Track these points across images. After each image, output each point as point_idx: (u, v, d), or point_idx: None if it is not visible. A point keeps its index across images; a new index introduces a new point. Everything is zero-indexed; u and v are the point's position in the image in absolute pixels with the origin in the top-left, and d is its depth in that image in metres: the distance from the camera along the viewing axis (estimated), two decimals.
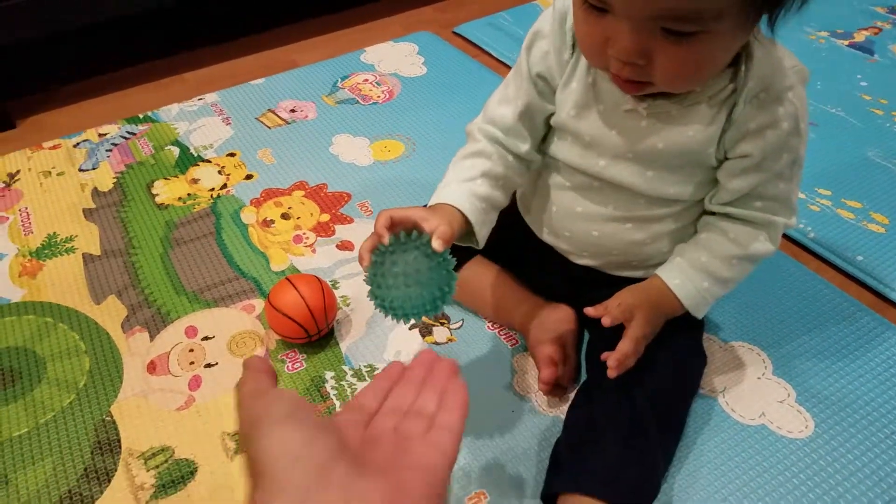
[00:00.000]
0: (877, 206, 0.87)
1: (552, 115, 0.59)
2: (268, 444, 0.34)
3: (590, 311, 0.57)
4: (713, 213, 0.59)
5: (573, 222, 0.62)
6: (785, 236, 0.84)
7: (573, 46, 0.56)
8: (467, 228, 0.57)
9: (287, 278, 0.70)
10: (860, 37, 1.23)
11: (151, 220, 0.90)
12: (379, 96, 1.14)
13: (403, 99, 1.13)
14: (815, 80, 1.10)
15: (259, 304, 0.77)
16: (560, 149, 0.60)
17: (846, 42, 1.22)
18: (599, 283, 0.64)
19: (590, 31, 0.48)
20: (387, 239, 0.52)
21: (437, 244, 0.51)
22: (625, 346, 0.56)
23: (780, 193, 0.56)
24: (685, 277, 0.58)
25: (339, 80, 1.18)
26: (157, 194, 0.94)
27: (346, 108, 1.11)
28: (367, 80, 1.18)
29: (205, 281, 0.80)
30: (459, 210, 0.56)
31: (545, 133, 0.61)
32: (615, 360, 0.55)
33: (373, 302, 0.53)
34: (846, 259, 0.80)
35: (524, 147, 0.60)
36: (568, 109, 0.57)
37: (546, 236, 0.66)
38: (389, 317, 0.53)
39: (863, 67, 1.15)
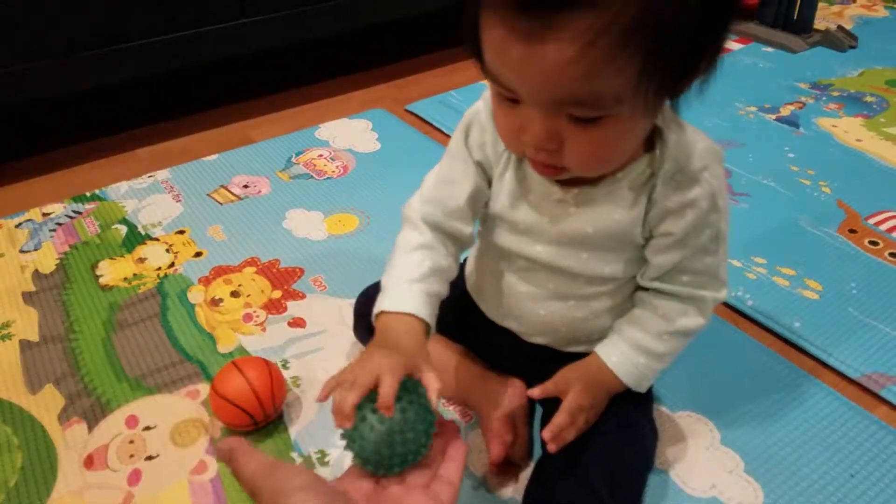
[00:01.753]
0: (810, 273, 0.91)
1: (488, 201, 0.61)
2: None
3: (532, 392, 0.58)
4: (646, 289, 0.61)
5: (520, 303, 0.63)
6: (725, 304, 0.86)
7: None
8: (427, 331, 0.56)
9: (233, 362, 0.69)
10: (786, 111, 1.31)
11: (94, 303, 0.87)
12: (333, 171, 1.15)
13: (357, 174, 1.14)
14: (747, 152, 1.18)
15: (204, 388, 0.75)
16: (498, 236, 0.61)
17: (773, 116, 1.30)
18: (552, 359, 0.64)
19: (506, 121, 0.51)
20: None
21: (435, 399, 0.49)
22: (559, 418, 0.56)
23: (705, 268, 0.58)
24: (621, 354, 0.60)
25: (294, 155, 1.20)
26: (101, 275, 0.92)
27: (300, 183, 1.12)
28: (321, 155, 1.20)
29: (147, 366, 0.78)
30: (420, 318, 0.55)
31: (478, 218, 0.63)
32: (549, 432, 0.55)
33: (351, 455, 0.49)
34: (784, 325, 0.82)
35: (468, 230, 0.61)
36: (502, 200, 0.59)
37: (498, 318, 0.67)
38: (368, 469, 0.48)
39: (790, 140, 1.22)
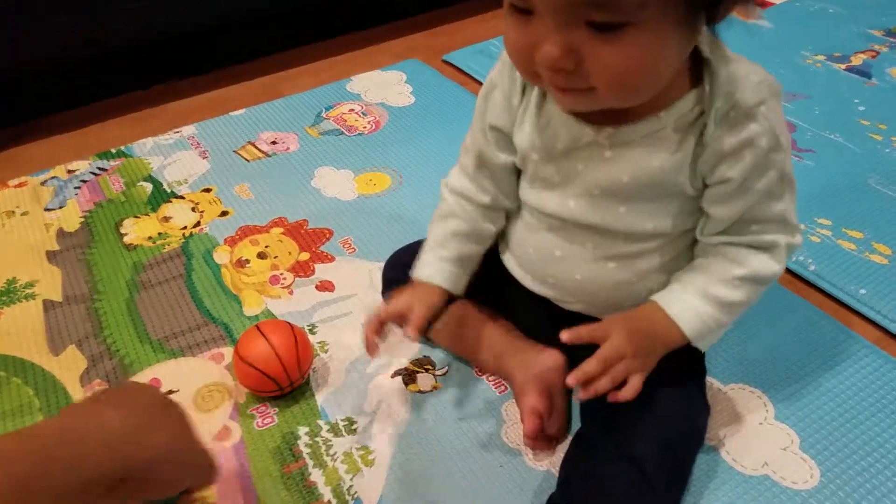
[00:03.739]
0: (879, 237, 0.83)
1: (514, 163, 0.58)
2: None
3: (563, 335, 0.53)
4: (711, 245, 0.55)
5: (555, 267, 0.59)
6: (786, 269, 0.80)
7: (522, 90, 0.54)
8: (450, 293, 0.62)
9: (256, 326, 0.66)
10: (857, 60, 1.21)
11: (118, 263, 0.85)
12: (364, 127, 1.10)
13: (390, 129, 1.09)
14: (813, 105, 1.09)
15: (228, 352, 0.72)
16: (528, 194, 0.58)
17: (843, 66, 1.19)
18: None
19: (517, 38, 0.45)
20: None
21: (410, 333, 0.59)
22: (588, 365, 0.51)
23: (775, 213, 0.52)
24: (684, 302, 0.53)
25: (324, 110, 1.15)
26: (125, 234, 0.90)
27: (329, 139, 1.07)
28: (352, 110, 1.15)
29: (171, 328, 0.76)
30: (435, 284, 0.61)
31: (512, 181, 0.60)
32: (574, 377, 0.51)
33: None
34: (849, 293, 0.76)
35: (486, 198, 0.61)
36: (527, 153, 0.55)
37: (532, 284, 0.62)
38: None
39: (861, 91, 1.12)
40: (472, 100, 1.11)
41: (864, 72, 1.17)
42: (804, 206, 0.86)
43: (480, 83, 1.18)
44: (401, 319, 0.60)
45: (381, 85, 1.22)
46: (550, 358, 0.63)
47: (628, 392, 0.52)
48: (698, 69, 0.49)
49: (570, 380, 0.53)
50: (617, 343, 0.52)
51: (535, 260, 0.60)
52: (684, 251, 0.57)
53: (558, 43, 0.42)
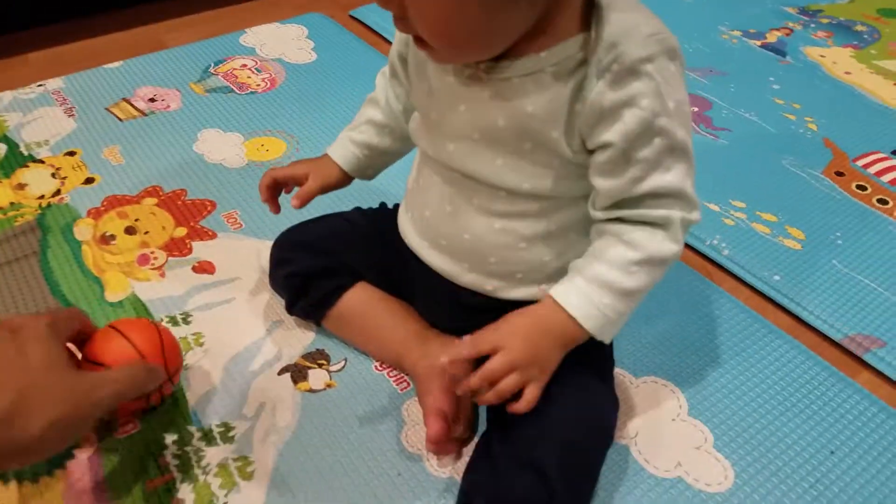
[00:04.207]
0: (792, 220, 0.82)
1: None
2: None
3: (461, 350, 0.50)
4: (604, 222, 0.51)
5: (445, 225, 0.55)
6: (699, 254, 0.78)
7: None
8: (349, 175, 0.65)
9: (109, 325, 0.55)
10: (772, 37, 1.20)
11: None
12: (258, 85, 1.00)
13: (287, 89, 1.00)
14: (729, 81, 1.07)
15: None
16: (419, 134, 0.56)
17: (759, 42, 1.19)
18: (494, 311, 0.54)
19: None
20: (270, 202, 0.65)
21: (294, 202, 0.62)
22: (472, 380, 0.48)
23: (667, 186, 0.47)
24: (580, 294, 0.49)
25: (213, 64, 1.04)
26: None
27: (217, 97, 0.96)
28: (245, 65, 1.04)
29: (20, 313, 0.64)
30: (337, 162, 0.64)
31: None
32: (460, 389, 0.49)
33: None
34: (762, 279, 0.75)
35: (398, 106, 0.62)
36: (417, 82, 0.54)
37: (427, 254, 0.58)
38: None
39: (775, 69, 1.12)
40: (380, 60, 1.04)
41: (778, 49, 1.17)
42: (720, 187, 0.86)
43: (389, 42, 1.11)
44: (293, 183, 0.64)
45: (279, 39, 1.11)
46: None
47: (522, 405, 0.49)
48: (589, 13, 0.45)
49: (459, 391, 0.50)
50: (506, 356, 0.48)
51: (427, 217, 0.57)
52: (580, 224, 0.53)
53: None
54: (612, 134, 0.45)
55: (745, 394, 0.63)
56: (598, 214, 0.50)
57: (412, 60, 0.55)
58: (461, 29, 0.43)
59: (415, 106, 0.56)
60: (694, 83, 1.06)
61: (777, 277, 0.75)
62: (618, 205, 0.49)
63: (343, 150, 0.64)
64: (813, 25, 1.25)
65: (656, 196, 0.48)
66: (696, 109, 1.00)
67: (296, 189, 0.64)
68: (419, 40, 0.45)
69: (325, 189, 0.64)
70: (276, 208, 0.65)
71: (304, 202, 0.63)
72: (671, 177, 0.47)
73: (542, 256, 0.53)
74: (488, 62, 0.47)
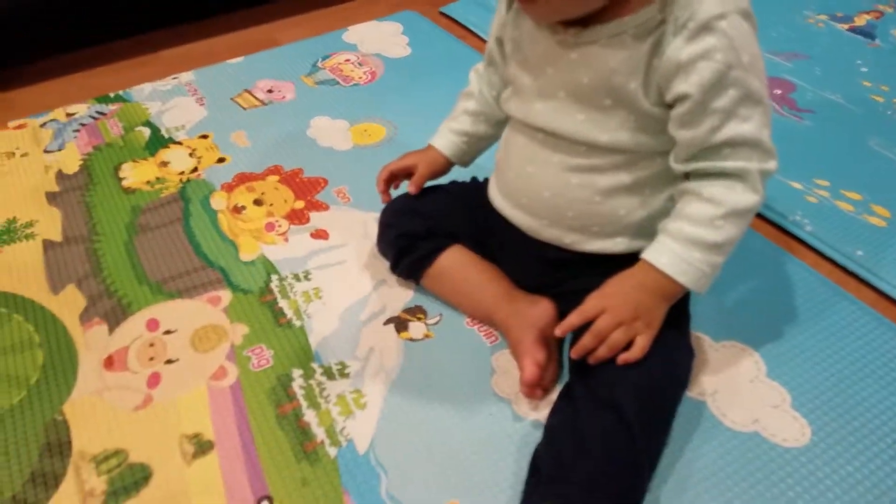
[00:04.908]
0: (877, 198, 0.83)
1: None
2: None
3: (556, 330, 0.57)
4: (687, 177, 0.55)
5: (527, 184, 0.61)
6: (781, 229, 0.80)
7: (510, 2, 0.60)
8: (450, 162, 0.72)
9: None
10: (861, 20, 1.19)
11: (117, 206, 0.85)
12: (360, 77, 1.09)
13: (386, 81, 1.08)
14: (814, 65, 1.07)
15: (226, 295, 0.73)
16: (510, 103, 0.62)
17: (846, 26, 1.18)
18: (574, 266, 0.62)
19: None
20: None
21: (410, 189, 0.71)
22: (585, 339, 0.55)
23: (744, 135, 0.51)
24: (671, 253, 0.54)
25: (320, 59, 1.14)
26: (124, 178, 0.89)
27: (325, 89, 1.06)
28: (348, 60, 1.13)
29: (169, 270, 0.76)
30: (440, 151, 0.71)
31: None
32: (575, 353, 0.55)
33: None
34: (845, 254, 0.76)
35: (493, 92, 0.68)
36: (511, 57, 0.60)
37: (511, 212, 0.64)
38: None
39: (863, 52, 1.11)
40: (468, 52, 1.12)
41: (867, 32, 1.15)
42: (803, 166, 0.88)
43: (477, 36, 1.18)
44: (405, 174, 0.72)
45: (377, 36, 1.20)
46: (544, 309, 0.63)
47: (634, 353, 0.54)
48: None
49: (558, 331, 0.56)
50: (610, 315, 0.54)
51: (512, 179, 0.63)
52: (655, 179, 0.57)
53: None
54: (689, 86, 0.49)
55: (824, 360, 0.65)
56: (679, 167, 0.54)
57: (508, 39, 0.61)
58: None
59: (509, 79, 0.62)
60: (778, 66, 1.07)
61: (860, 253, 0.76)
62: (697, 156, 0.53)
63: (445, 140, 0.71)
64: None
65: (733, 145, 0.51)
66: (779, 92, 1.01)
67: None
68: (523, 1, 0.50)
69: (434, 175, 0.72)
70: (389, 197, 0.73)
71: (418, 188, 0.71)
72: (748, 126, 0.51)
73: (616, 210, 0.58)
74: (577, 27, 0.52)
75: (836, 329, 0.68)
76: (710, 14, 0.48)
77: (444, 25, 1.23)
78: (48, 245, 0.80)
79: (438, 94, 1.04)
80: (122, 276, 0.75)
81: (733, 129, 0.51)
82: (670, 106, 0.52)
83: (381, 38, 1.19)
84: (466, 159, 0.73)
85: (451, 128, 0.71)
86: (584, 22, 0.52)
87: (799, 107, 0.99)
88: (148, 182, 0.89)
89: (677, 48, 0.49)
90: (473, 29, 1.20)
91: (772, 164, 0.53)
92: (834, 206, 0.82)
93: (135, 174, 0.90)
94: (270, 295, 0.73)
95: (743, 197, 0.53)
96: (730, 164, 0.52)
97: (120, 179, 0.89)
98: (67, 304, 0.72)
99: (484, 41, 1.15)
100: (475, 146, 0.72)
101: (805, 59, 1.09)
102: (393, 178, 0.73)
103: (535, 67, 0.57)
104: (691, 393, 0.63)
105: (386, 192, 0.73)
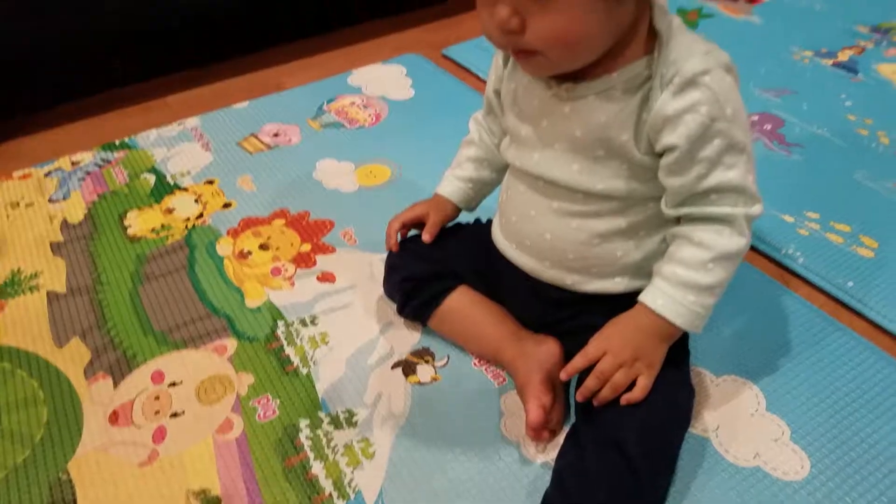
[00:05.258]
0: (866, 230, 0.85)
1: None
2: None
3: (562, 374, 0.60)
4: (678, 221, 0.58)
5: (529, 227, 0.63)
6: (775, 262, 0.82)
7: (507, 56, 0.62)
8: (458, 208, 0.74)
9: None
10: (844, 56, 1.22)
11: (122, 254, 0.86)
12: (365, 119, 1.11)
13: (391, 122, 1.10)
14: (801, 100, 1.10)
15: (231, 344, 0.73)
16: (509, 151, 0.64)
17: (830, 61, 1.20)
18: (577, 305, 0.63)
19: (484, 13, 0.52)
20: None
21: (425, 237, 0.71)
22: (589, 381, 0.57)
23: (729, 182, 0.54)
24: (666, 296, 0.56)
25: (325, 102, 1.16)
26: (129, 226, 0.91)
27: (331, 131, 1.08)
28: (353, 102, 1.16)
29: (174, 319, 0.77)
30: (447, 198, 0.73)
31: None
32: (581, 395, 0.57)
33: None
34: (836, 285, 0.77)
35: (494, 139, 0.70)
36: (509, 109, 0.62)
37: (514, 254, 0.66)
38: None
39: (847, 87, 1.13)
40: (471, 93, 1.15)
41: (850, 67, 1.18)
42: (794, 200, 0.90)
43: (479, 77, 1.21)
44: (415, 223, 0.73)
45: (381, 78, 1.22)
46: (550, 349, 0.65)
47: (636, 393, 0.56)
48: (654, 40, 0.53)
49: (563, 376, 0.59)
50: (612, 357, 0.57)
51: (514, 223, 0.64)
52: (649, 223, 0.59)
53: (506, 4, 0.49)
54: (677, 137, 0.52)
55: (822, 391, 0.66)
56: (670, 212, 0.57)
57: (505, 92, 0.63)
58: (581, 36, 0.50)
59: (507, 129, 0.64)
60: (767, 102, 1.09)
61: (851, 283, 0.77)
62: (686, 202, 0.55)
63: (452, 187, 0.73)
64: (885, 43, 1.25)
65: (720, 191, 0.54)
66: (768, 127, 1.03)
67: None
68: (523, 54, 0.52)
69: (444, 222, 0.73)
70: (398, 247, 0.73)
71: (433, 236, 0.71)
72: (733, 174, 0.54)
73: (614, 251, 0.60)
74: (569, 83, 0.55)
75: (831, 360, 0.69)
76: (695, 70, 0.51)
77: (446, 67, 1.26)
78: (52, 297, 0.80)
79: (442, 134, 1.05)
80: (127, 327, 0.76)
81: (719, 176, 0.54)
82: (660, 155, 0.55)
83: (386, 80, 1.22)
84: (473, 204, 0.75)
85: (457, 175, 0.73)
86: (576, 78, 0.55)
87: (788, 141, 1.01)
88: (153, 229, 0.90)
89: (664, 102, 0.52)
90: (474, 71, 1.23)
91: (757, 209, 0.56)
92: (825, 239, 0.84)
93: (140, 222, 0.91)
94: (277, 342, 0.73)
95: (731, 241, 0.55)
96: (717, 210, 0.55)
97: (125, 227, 0.90)
98: (72, 358, 0.73)
99: (484, 81, 1.18)
100: (481, 191, 0.74)
101: (792, 95, 1.11)
102: (404, 229, 0.74)
103: (532, 119, 0.59)
104: (694, 430, 0.63)
105: (397, 243, 0.74)
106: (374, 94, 1.18)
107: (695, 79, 0.51)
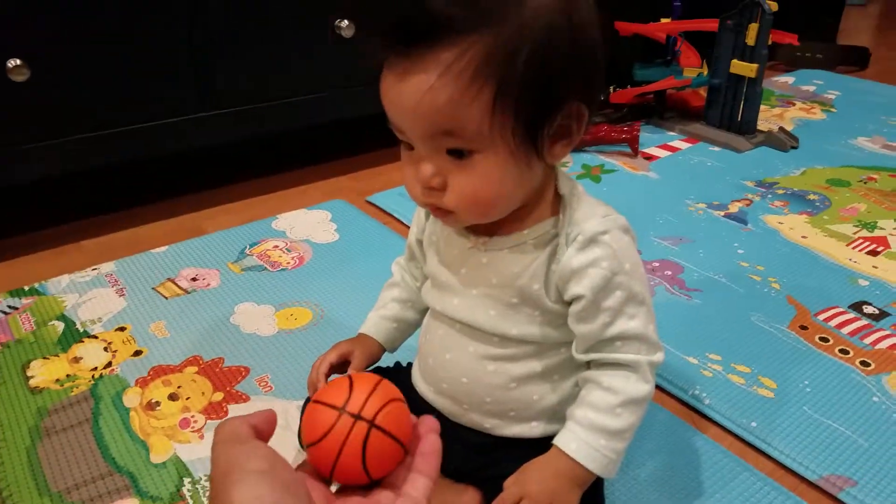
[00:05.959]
0: (764, 370, 0.90)
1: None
2: (239, 495, 0.36)
3: None
4: (589, 366, 0.61)
5: (446, 371, 0.64)
6: (683, 403, 0.85)
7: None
8: (383, 347, 0.73)
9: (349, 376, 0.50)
10: (734, 208, 1.35)
11: (21, 408, 0.81)
12: (288, 262, 1.13)
13: (314, 265, 1.13)
14: (697, 248, 1.20)
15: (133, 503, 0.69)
16: (429, 295, 0.66)
17: (722, 213, 1.33)
18: (496, 451, 0.64)
19: (407, 170, 0.56)
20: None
21: (351, 371, 0.69)
22: None
23: (633, 331, 0.58)
24: (580, 440, 0.58)
25: (248, 246, 1.18)
26: (31, 376, 0.87)
27: (252, 275, 1.10)
28: (276, 246, 1.18)
29: (73, 478, 0.72)
30: (371, 336, 0.73)
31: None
32: None
33: None
34: (741, 425, 0.81)
35: (416, 284, 0.73)
36: (430, 257, 0.66)
37: (434, 397, 0.67)
38: None
39: (739, 236, 1.25)
40: (394, 237, 1.20)
41: (740, 218, 1.31)
42: (697, 342, 0.95)
43: (401, 222, 1.27)
44: (343, 362, 0.72)
45: (306, 223, 1.26)
46: (471, 499, 0.63)
47: None
48: (559, 203, 0.60)
49: None
50: (529, 503, 0.57)
51: (432, 366, 0.66)
52: (563, 367, 0.63)
53: (428, 165, 0.53)
54: (582, 288, 0.57)
55: None
56: (580, 356, 0.60)
57: (427, 241, 0.68)
58: (495, 195, 0.55)
59: (429, 274, 0.68)
60: (666, 250, 1.19)
61: (754, 424, 0.81)
62: (594, 348, 0.59)
63: (377, 327, 0.74)
64: (770, 196, 1.40)
65: (624, 339, 0.59)
66: (669, 273, 1.12)
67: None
68: (441, 211, 0.56)
69: (370, 361, 0.72)
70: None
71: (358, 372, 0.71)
72: (634, 323, 0.58)
73: (530, 395, 0.63)
74: (485, 237, 0.61)
75: (740, 502, 0.71)
76: (595, 230, 0.57)
77: (370, 213, 1.32)
78: None
79: (365, 275, 1.09)
80: (21, 488, 0.71)
81: (622, 325, 0.58)
82: (569, 303, 0.59)
83: (310, 224, 1.26)
84: (396, 344, 0.76)
85: (381, 315, 0.74)
86: (491, 233, 0.60)
87: (688, 286, 1.08)
88: (57, 380, 0.86)
89: (570, 257, 0.57)
90: (398, 216, 1.29)
91: (658, 356, 0.60)
92: (727, 380, 0.89)
93: (44, 372, 0.87)
94: (182, 501, 0.70)
95: (637, 387, 0.59)
96: (623, 356, 0.59)
97: (27, 378, 0.86)
98: None
99: (406, 226, 1.25)
100: (405, 332, 0.76)
101: (690, 243, 1.21)
102: (331, 371, 0.73)
103: (452, 266, 0.63)
104: None
105: (316, 386, 0.72)
106: (298, 238, 1.21)
107: (596, 237, 0.57)
